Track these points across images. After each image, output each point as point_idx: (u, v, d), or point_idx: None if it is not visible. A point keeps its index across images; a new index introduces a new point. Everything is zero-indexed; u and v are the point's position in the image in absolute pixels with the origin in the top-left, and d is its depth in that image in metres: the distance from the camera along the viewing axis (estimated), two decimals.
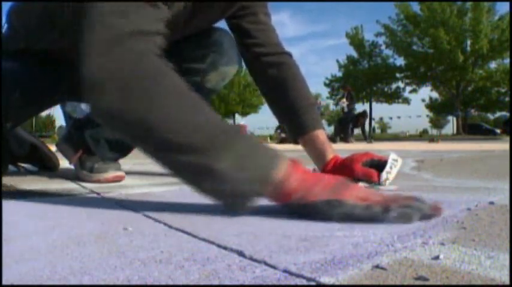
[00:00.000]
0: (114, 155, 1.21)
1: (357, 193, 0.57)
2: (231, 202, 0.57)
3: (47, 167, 1.44)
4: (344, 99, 9.29)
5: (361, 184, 0.93)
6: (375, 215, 0.53)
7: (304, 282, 0.33)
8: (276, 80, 1.05)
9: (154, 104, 0.56)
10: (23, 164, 1.46)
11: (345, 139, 8.63)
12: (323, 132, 1.06)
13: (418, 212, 0.54)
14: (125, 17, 0.61)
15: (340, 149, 3.67)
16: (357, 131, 9.82)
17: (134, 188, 1.00)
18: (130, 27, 0.60)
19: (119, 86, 0.57)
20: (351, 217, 0.54)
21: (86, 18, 0.62)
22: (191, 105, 0.59)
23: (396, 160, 0.97)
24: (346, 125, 8.91)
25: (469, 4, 18.39)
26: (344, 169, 0.97)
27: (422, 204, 0.55)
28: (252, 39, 1.04)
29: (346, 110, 9.19)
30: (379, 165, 0.95)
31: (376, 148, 4.34)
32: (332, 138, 8.49)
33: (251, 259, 0.39)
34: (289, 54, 1.09)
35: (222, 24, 1.05)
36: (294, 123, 1.06)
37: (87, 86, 0.58)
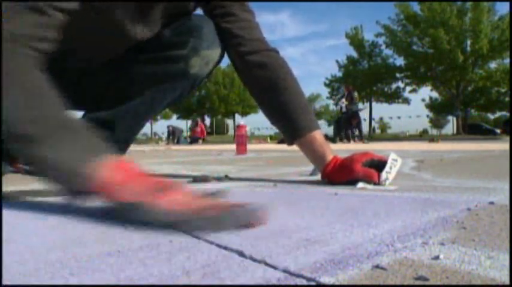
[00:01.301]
0: (110, 153, 1.20)
1: (173, 197, 0.54)
2: (57, 189, 0.62)
3: None
4: (343, 100, 9.26)
5: (361, 184, 0.93)
6: (178, 223, 0.51)
7: (304, 282, 0.33)
8: (265, 81, 1.02)
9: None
10: (21, 165, 1.46)
11: (346, 139, 8.62)
12: (320, 133, 1.04)
13: (233, 220, 0.51)
14: (8, 22, 0.65)
15: (341, 150, 3.67)
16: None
17: None
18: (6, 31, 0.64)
19: None
20: (150, 219, 0.53)
21: None
22: (31, 99, 0.63)
23: (396, 160, 0.97)
24: (345, 125, 8.90)
25: (469, 4, 18.39)
26: (344, 169, 0.97)
27: (244, 211, 0.52)
28: (233, 39, 1.02)
29: (344, 110, 9.16)
30: (379, 165, 0.95)
31: (376, 148, 4.34)
32: (332, 139, 8.48)
33: (251, 259, 0.39)
34: (276, 51, 1.06)
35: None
36: (290, 126, 1.04)
37: None
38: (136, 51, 1.00)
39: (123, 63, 1.02)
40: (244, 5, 1.05)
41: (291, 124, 1.03)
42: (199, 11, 1.06)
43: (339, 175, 0.98)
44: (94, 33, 0.89)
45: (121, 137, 1.13)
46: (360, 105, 9.16)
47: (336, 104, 9.79)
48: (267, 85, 1.03)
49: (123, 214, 0.55)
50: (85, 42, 0.91)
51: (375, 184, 0.93)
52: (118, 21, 0.88)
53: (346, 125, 8.98)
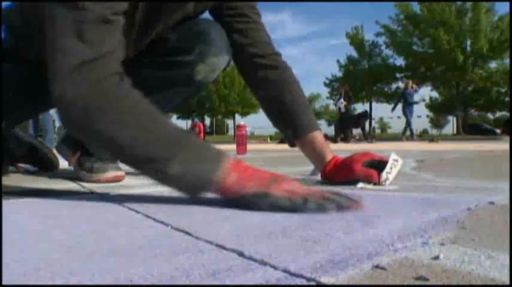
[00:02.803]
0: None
1: (285, 186, 0.65)
2: (186, 194, 0.70)
3: (46, 167, 1.44)
4: (342, 100, 9.20)
5: (361, 184, 0.93)
6: (296, 207, 0.62)
7: (304, 282, 0.33)
8: (270, 83, 1.04)
9: (110, 122, 0.67)
10: (22, 165, 1.46)
11: (345, 140, 8.58)
12: (321, 133, 1.05)
13: (334, 204, 0.61)
14: (83, 41, 0.67)
15: (342, 150, 3.66)
16: (355, 131, 9.68)
17: (134, 188, 1.00)
18: (88, 54, 0.67)
19: (81, 108, 0.67)
20: (275, 207, 0.62)
21: (47, 39, 0.70)
22: (144, 120, 0.69)
23: (397, 160, 0.97)
24: (345, 125, 8.87)
25: (468, 4, 18.39)
26: (344, 169, 0.97)
27: (340, 197, 0.63)
28: (244, 39, 1.02)
29: (343, 110, 9.10)
30: (380, 165, 0.95)
31: (376, 148, 4.34)
32: (332, 139, 8.45)
33: (251, 259, 0.39)
34: (280, 55, 1.08)
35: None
36: (291, 126, 1.05)
37: (57, 104, 0.70)
38: (142, 54, 0.99)
39: (128, 67, 1.01)
40: (254, 7, 1.05)
41: (293, 124, 1.04)
42: (207, 15, 1.05)
43: (339, 174, 0.98)
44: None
45: None
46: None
47: (335, 105, 9.69)
48: (272, 87, 1.04)
49: (252, 203, 0.64)
50: None
51: (374, 184, 0.93)
52: (133, 24, 0.86)
53: (350, 126, 8.94)
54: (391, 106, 10.17)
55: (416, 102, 9.99)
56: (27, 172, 1.42)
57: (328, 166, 1.00)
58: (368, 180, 0.93)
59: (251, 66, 1.05)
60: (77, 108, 0.67)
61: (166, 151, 0.67)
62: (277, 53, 1.07)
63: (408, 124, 9.32)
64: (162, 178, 0.69)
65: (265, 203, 0.63)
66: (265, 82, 1.05)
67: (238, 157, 2.77)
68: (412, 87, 9.64)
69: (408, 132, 9.24)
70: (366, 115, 9.27)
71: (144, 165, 0.69)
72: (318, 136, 1.03)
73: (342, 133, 8.78)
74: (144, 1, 0.85)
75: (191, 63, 0.98)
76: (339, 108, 9.28)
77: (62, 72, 0.67)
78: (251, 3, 1.04)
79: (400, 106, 9.47)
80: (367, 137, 9.04)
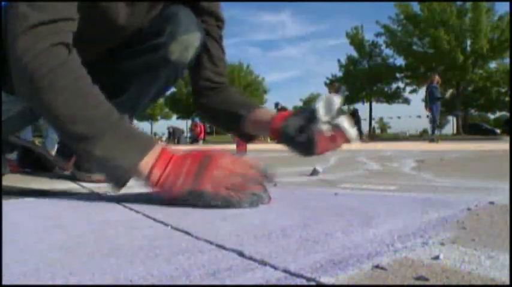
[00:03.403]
0: None
1: (217, 175, 0.67)
2: (109, 181, 0.72)
3: (44, 167, 1.44)
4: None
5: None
6: (230, 204, 0.66)
7: (304, 282, 0.33)
8: (211, 101, 1.09)
9: (51, 97, 0.69)
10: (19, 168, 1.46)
11: None
12: (266, 108, 1.06)
13: (261, 199, 0.68)
14: (34, 7, 0.70)
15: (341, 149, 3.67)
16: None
17: (134, 188, 0.99)
18: (40, 17, 0.70)
19: (29, 75, 0.69)
20: (210, 205, 0.66)
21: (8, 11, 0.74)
22: (82, 98, 0.70)
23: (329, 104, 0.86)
24: None
25: (468, 4, 18.39)
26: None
27: (264, 193, 0.69)
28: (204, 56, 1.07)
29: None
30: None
31: (376, 147, 4.34)
32: None
33: (251, 259, 0.39)
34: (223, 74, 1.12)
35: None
36: (235, 119, 1.04)
37: (12, 66, 0.72)
38: (119, 48, 1.03)
39: (108, 62, 1.04)
40: (218, 17, 1.11)
41: (236, 115, 1.04)
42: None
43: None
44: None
45: None
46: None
47: None
48: (213, 102, 1.09)
49: (189, 202, 0.67)
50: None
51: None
52: (103, 7, 0.89)
53: None
54: (391, 106, 9.92)
55: (442, 98, 8.93)
56: (26, 172, 1.42)
57: (276, 119, 0.94)
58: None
59: (206, 88, 1.09)
60: (25, 72, 0.69)
61: (97, 131, 0.68)
62: (222, 73, 1.11)
63: (434, 122, 8.25)
64: (89, 159, 0.70)
65: (201, 201, 0.67)
66: (208, 101, 1.09)
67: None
68: (438, 81, 8.55)
69: (437, 132, 8.27)
70: (355, 114, 9.17)
71: (76, 143, 0.70)
72: (261, 109, 1.03)
73: None
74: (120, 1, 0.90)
75: (164, 44, 1.01)
76: None
77: (15, 34, 0.69)
78: (216, 13, 1.09)
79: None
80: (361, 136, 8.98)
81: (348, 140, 0.87)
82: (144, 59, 1.03)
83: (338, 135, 0.86)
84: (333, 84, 9.60)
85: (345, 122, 0.85)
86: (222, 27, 1.13)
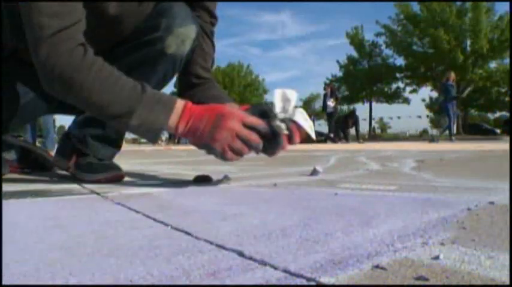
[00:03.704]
0: (106, 151, 1.21)
1: (225, 137, 0.84)
2: (147, 139, 0.90)
3: (43, 167, 1.44)
4: (332, 99, 8.99)
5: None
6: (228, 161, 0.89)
7: (304, 282, 0.33)
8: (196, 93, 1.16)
9: (84, 92, 0.83)
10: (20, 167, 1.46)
11: (333, 140, 8.40)
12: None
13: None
14: (50, 15, 0.79)
15: (340, 150, 3.67)
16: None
17: (134, 188, 1.00)
18: (57, 25, 0.80)
19: (57, 76, 0.82)
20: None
21: (22, 18, 0.83)
22: (108, 84, 0.83)
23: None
24: (342, 126, 8.78)
25: (468, 4, 18.39)
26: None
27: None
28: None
29: (331, 110, 8.89)
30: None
31: (375, 147, 4.34)
32: (332, 139, 8.41)
33: (251, 259, 0.39)
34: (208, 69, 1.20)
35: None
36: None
37: (39, 71, 0.85)
38: (117, 46, 1.05)
39: (106, 60, 1.04)
40: (211, 13, 1.16)
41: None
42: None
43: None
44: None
45: (112, 132, 1.15)
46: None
47: (324, 108, 9.20)
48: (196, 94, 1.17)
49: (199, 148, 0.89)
50: None
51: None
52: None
53: (342, 125, 8.85)
54: (391, 106, 9.84)
55: (458, 97, 8.59)
56: (26, 172, 1.42)
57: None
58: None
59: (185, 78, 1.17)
60: (53, 76, 0.82)
61: (128, 108, 0.83)
62: (207, 68, 1.18)
63: (449, 121, 7.92)
64: (127, 128, 0.88)
65: (209, 153, 0.89)
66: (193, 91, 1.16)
67: None
68: (453, 79, 8.28)
69: (453, 131, 7.94)
70: (353, 115, 9.14)
71: (113, 121, 0.86)
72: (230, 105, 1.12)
73: (339, 133, 8.70)
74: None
75: (161, 38, 1.02)
76: (324, 108, 9.03)
77: (36, 43, 0.81)
78: (210, 9, 1.14)
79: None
80: (359, 136, 8.95)
81: (304, 136, 0.90)
82: (141, 53, 1.04)
83: (296, 128, 0.90)
84: (329, 85, 9.52)
85: (300, 117, 0.86)
86: (215, 24, 1.17)
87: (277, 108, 0.87)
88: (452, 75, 8.33)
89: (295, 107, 0.88)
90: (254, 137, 0.87)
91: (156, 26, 1.02)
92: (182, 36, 1.03)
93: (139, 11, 1.02)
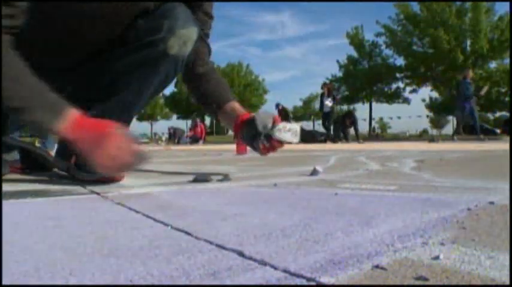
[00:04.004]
0: None
1: (102, 158, 0.83)
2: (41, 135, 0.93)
3: (43, 167, 1.44)
4: (330, 99, 8.95)
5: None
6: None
7: (304, 282, 0.33)
8: (199, 81, 1.26)
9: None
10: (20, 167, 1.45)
11: (333, 139, 8.38)
12: (237, 102, 1.26)
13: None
14: None
15: (340, 149, 3.67)
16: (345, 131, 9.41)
17: (134, 188, 1.00)
18: None
19: None
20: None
21: None
22: (13, 82, 0.83)
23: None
24: (335, 125, 8.76)
25: (468, 4, 18.39)
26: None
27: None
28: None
29: (328, 109, 8.87)
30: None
31: (375, 147, 4.34)
32: (332, 139, 8.40)
33: (251, 259, 0.39)
34: (208, 53, 1.27)
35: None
36: (214, 102, 1.25)
37: None
38: (117, 46, 1.05)
39: (106, 60, 1.05)
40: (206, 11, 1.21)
41: (215, 100, 1.26)
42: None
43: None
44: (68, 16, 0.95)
45: None
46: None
47: (321, 108, 9.14)
48: (200, 84, 1.27)
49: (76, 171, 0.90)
50: (60, 31, 0.97)
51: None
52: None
53: (341, 126, 8.83)
54: (391, 106, 9.71)
55: (476, 96, 8.11)
56: (26, 172, 1.42)
57: (238, 119, 1.19)
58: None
59: (197, 72, 1.24)
60: None
61: (25, 104, 0.84)
62: (206, 60, 1.26)
63: (474, 121, 7.59)
64: (25, 123, 0.93)
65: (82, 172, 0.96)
66: (195, 81, 1.26)
67: (240, 156, 2.78)
68: (471, 77, 7.92)
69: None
70: (350, 116, 9.12)
71: (14, 113, 0.87)
72: (235, 103, 1.25)
73: (339, 133, 8.67)
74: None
75: (163, 39, 1.03)
76: (321, 107, 8.99)
77: None
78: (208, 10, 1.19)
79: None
80: (358, 136, 8.93)
81: (287, 142, 1.12)
82: (143, 54, 1.04)
83: (275, 141, 1.12)
84: (326, 85, 9.49)
85: (276, 133, 1.10)
86: (211, 24, 1.23)
87: (259, 127, 1.11)
88: (470, 73, 8.01)
89: (274, 125, 1.11)
90: (127, 159, 0.85)
91: (158, 27, 1.03)
92: (184, 37, 1.04)
93: (129, 10, 1.02)
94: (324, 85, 9.66)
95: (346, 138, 8.71)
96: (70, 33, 0.92)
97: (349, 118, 9.13)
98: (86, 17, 0.96)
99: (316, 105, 9.23)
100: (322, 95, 9.16)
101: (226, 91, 1.29)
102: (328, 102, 8.96)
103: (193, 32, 1.06)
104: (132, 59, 1.05)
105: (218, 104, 1.26)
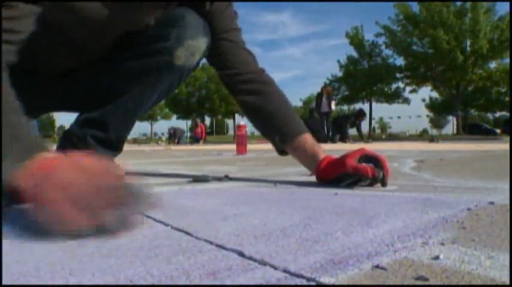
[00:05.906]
0: (106, 153, 1.20)
1: (77, 193, 0.51)
2: None
3: None
4: (333, 102, 8.98)
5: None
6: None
7: (304, 282, 0.33)
8: (252, 96, 1.09)
9: None
10: None
11: (332, 139, 8.40)
12: (310, 135, 1.06)
13: (121, 224, 0.51)
14: None
15: (339, 150, 3.66)
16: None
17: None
18: None
19: None
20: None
21: None
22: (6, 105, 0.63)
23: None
24: (342, 126, 8.78)
25: (468, 4, 18.39)
26: (337, 164, 0.96)
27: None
28: (223, 63, 1.09)
29: (326, 109, 8.88)
30: (373, 161, 0.93)
31: (375, 147, 4.34)
32: (332, 140, 8.41)
33: (251, 259, 0.39)
34: (262, 70, 1.13)
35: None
36: (278, 132, 1.07)
37: None
38: (122, 48, 1.01)
39: (109, 62, 1.03)
40: (234, 25, 1.11)
41: (280, 130, 1.06)
42: None
43: (332, 170, 0.97)
44: (72, 24, 0.88)
45: (114, 135, 1.14)
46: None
47: (319, 110, 9.14)
48: (255, 100, 1.09)
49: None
50: (62, 36, 0.91)
51: (370, 182, 0.91)
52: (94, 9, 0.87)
53: (343, 126, 8.85)
54: (391, 106, 9.79)
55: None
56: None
57: (321, 164, 1.00)
58: (361, 175, 0.91)
59: (231, 83, 1.11)
60: None
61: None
62: (257, 70, 1.13)
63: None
64: None
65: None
66: (246, 97, 1.10)
67: (240, 156, 2.77)
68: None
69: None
70: (347, 118, 9.15)
71: None
72: (307, 138, 1.05)
73: (339, 133, 8.68)
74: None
75: (170, 48, 0.99)
76: (318, 107, 8.97)
77: None
78: (229, 20, 1.09)
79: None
80: (362, 136, 8.93)
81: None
82: (148, 61, 1.01)
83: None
84: (325, 88, 9.51)
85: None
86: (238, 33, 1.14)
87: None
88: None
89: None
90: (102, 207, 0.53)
91: (166, 35, 0.98)
92: (192, 48, 1.00)
93: (127, 16, 0.96)
94: (324, 87, 9.70)
95: (347, 138, 8.71)
96: (71, 40, 0.88)
97: (361, 116, 9.12)
98: (89, 26, 0.92)
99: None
100: (319, 95, 9.19)
101: (291, 116, 1.09)
102: (333, 105, 9.00)
103: (202, 43, 1.02)
104: (137, 65, 1.02)
105: (284, 136, 1.07)
